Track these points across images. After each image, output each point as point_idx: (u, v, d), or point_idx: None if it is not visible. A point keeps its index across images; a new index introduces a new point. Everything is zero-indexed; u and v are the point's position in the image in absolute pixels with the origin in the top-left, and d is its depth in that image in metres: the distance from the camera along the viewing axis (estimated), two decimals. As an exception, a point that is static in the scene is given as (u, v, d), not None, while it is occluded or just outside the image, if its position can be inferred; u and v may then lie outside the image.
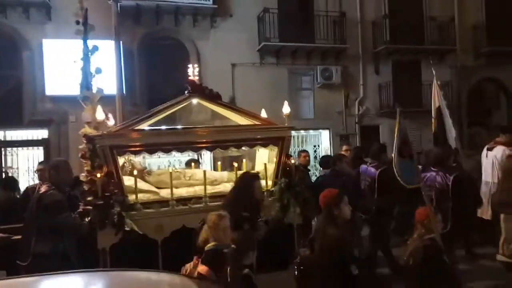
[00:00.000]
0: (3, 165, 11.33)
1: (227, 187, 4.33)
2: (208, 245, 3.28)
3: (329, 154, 12.17)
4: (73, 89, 10.66)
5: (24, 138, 11.81)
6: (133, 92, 12.18)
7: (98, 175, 3.95)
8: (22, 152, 11.76)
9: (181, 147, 4.20)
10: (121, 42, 10.81)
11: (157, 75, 12.97)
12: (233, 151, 4.37)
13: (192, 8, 13.02)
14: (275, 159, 4.29)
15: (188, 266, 3.42)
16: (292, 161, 4.25)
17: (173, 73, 12.67)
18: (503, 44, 14.72)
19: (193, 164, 5.16)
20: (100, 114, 4.03)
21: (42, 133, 11.90)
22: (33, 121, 11.61)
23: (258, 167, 4.68)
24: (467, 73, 15.27)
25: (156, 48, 13.39)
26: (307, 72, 14.57)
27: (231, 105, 4.48)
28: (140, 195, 4.17)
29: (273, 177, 4.27)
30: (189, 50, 13.52)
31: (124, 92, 10.61)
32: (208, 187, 4.25)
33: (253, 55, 13.62)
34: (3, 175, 10.67)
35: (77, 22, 4.37)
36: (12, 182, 5.95)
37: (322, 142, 14.31)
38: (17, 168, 11.47)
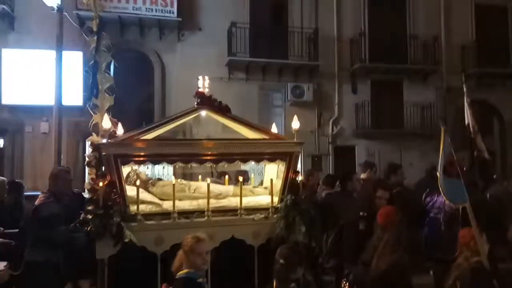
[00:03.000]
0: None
1: (232, 201, 4.67)
2: (180, 272, 3.27)
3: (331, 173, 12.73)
4: (30, 99, 11.80)
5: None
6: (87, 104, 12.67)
7: (100, 184, 4.29)
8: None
9: (185, 159, 4.50)
10: (82, 53, 12.06)
11: (119, 87, 13.64)
12: (240, 165, 4.80)
13: (156, 20, 13.76)
14: (278, 175, 4.69)
15: None
16: (300, 178, 4.62)
17: (136, 85, 13.51)
18: (493, 65, 15.50)
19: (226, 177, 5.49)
20: (106, 123, 4.36)
21: None
22: None
23: (267, 182, 5.05)
24: (454, 95, 15.45)
25: (119, 60, 13.94)
26: (278, 89, 15.33)
27: (240, 118, 4.88)
28: (142, 206, 4.41)
29: (280, 194, 4.62)
30: (153, 63, 14.30)
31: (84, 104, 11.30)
32: (212, 201, 4.55)
33: (222, 70, 14.25)
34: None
35: (91, 31, 4.69)
36: (18, 186, 6.13)
37: (293, 162, 15.04)
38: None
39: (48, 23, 10.62)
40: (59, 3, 9.67)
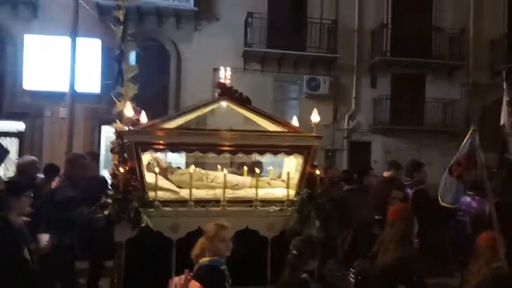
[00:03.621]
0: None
1: (248, 192, 4.83)
2: (203, 259, 3.36)
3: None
4: (51, 84, 12.41)
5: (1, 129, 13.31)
6: (111, 90, 13.10)
7: (121, 169, 4.52)
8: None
9: (203, 149, 4.66)
10: (101, 41, 12.99)
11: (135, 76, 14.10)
12: (255, 157, 4.97)
13: (173, 10, 14.03)
14: (296, 168, 4.82)
15: (178, 281, 3.37)
16: (318, 172, 4.74)
17: (152, 75, 13.67)
18: None
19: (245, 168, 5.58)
20: (129, 111, 4.56)
21: (18, 126, 13.44)
22: (11, 113, 13.16)
23: (283, 175, 5.19)
24: (481, 92, 15.24)
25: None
26: (294, 81, 15.42)
27: (260, 110, 5.04)
28: (160, 193, 4.63)
29: (297, 187, 4.77)
30: (170, 52, 14.58)
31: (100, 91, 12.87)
32: (228, 191, 4.73)
33: (237, 60, 14.37)
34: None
35: (118, 20, 4.87)
36: (55, 169, 6.23)
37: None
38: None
39: (69, 11, 11.33)
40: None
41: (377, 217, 4.62)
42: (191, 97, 13.90)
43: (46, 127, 13.42)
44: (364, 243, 4.11)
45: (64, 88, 11.62)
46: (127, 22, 5.03)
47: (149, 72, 13.94)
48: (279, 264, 4.24)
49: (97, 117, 13.45)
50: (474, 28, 15.68)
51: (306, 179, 4.74)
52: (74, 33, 11.20)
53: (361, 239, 4.61)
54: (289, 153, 4.76)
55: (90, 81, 13.07)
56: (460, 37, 15.38)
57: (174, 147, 4.70)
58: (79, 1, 11.54)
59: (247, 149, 4.76)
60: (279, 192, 4.93)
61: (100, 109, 12.96)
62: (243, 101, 4.91)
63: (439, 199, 4.99)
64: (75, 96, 11.55)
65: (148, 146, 4.63)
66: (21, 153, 12.84)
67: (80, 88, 12.08)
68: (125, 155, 4.64)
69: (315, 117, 4.83)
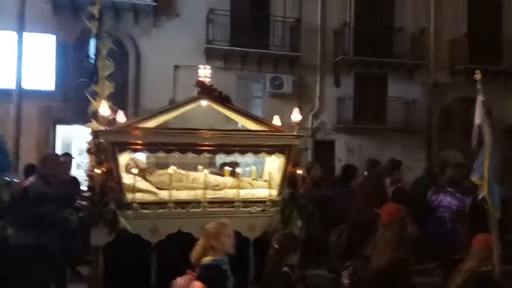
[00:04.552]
0: None
1: (229, 193, 4.86)
2: (206, 258, 3.48)
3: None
4: (2, 81, 11.73)
5: None
6: (66, 88, 13.05)
7: (98, 171, 4.47)
8: None
9: (183, 148, 4.66)
10: (55, 36, 12.72)
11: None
12: (239, 156, 5.01)
13: (131, 5, 13.85)
14: (277, 168, 4.87)
15: (180, 281, 3.49)
16: (299, 171, 4.83)
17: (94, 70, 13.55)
18: (485, 62, 14.76)
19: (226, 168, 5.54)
20: (105, 110, 4.51)
21: None
22: None
23: (265, 175, 5.29)
24: (441, 91, 15.99)
25: (93, 44, 14.09)
26: (258, 80, 15.53)
27: (241, 109, 5.09)
28: (138, 195, 4.59)
29: (279, 188, 4.83)
30: (128, 48, 14.38)
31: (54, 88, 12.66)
32: (209, 192, 4.77)
33: (199, 58, 14.33)
34: None
35: (92, 17, 4.82)
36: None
37: (271, 155, 15.38)
38: None
39: (20, 5, 10.95)
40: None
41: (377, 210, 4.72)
42: (151, 94, 13.80)
43: None
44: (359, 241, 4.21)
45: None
46: (102, 18, 4.96)
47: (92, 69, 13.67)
48: (261, 265, 4.33)
49: (52, 116, 13.20)
50: (434, 28, 16.26)
51: (288, 179, 4.81)
52: (21, 28, 10.95)
53: (356, 238, 4.71)
54: (270, 153, 4.83)
55: (44, 78, 12.77)
56: (420, 37, 15.91)
57: (152, 147, 4.67)
58: None
59: (227, 149, 4.79)
60: (261, 192, 4.99)
61: (55, 107, 13.00)
62: (223, 100, 4.95)
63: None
64: (26, 94, 11.26)
65: (125, 147, 4.59)
66: None
67: (32, 85, 11.90)
68: (102, 155, 4.58)
69: (296, 117, 4.92)
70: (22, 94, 11.15)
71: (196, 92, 4.98)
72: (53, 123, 13.39)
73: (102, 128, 4.54)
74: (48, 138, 13.45)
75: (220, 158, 6.07)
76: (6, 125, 12.42)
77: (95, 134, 4.62)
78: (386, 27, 15.93)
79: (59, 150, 12.90)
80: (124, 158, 4.78)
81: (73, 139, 13.20)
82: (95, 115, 4.68)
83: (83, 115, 13.28)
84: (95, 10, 4.89)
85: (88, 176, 4.52)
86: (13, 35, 11.54)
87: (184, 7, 14.63)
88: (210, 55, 14.67)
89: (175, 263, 4.44)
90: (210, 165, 6.12)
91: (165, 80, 14.20)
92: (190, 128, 4.82)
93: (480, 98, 5.15)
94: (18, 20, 10.92)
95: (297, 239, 3.89)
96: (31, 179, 4.85)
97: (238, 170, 4.89)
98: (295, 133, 4.94)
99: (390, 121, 15.68)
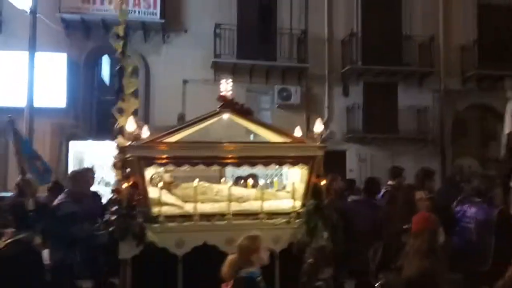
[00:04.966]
0: None
1: (253, 205, 4.96)
2: (241, 271, 3.57)
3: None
4: (16, 100, 12.36)
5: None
6: (77, 104, 13.94)
7: (125, 185, 4.60)
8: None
9: (207, 162, 4.79)
10: (66, 54, 13.44)
11: (102, 89, 14.95)
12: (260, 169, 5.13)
13: (140, 23, 14.31)
14: (301, 179, 4.97)
15: None
16: (323, 182, 4.91)
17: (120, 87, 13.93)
18: (496, 68, 15.16)
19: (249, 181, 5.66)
20: (131, 125, 4.65)
21: None
22: None
23: (289, 187, 5.30)
24: (453, 98, 15.99)
25: (104, 63, 15.33)
26: (266, 92, 15.71)
27: (262, 121, 5.22)
28: (164, 208, 4.72)
29: (303, 199, 4.90)
30: (138, 65, 14.52)
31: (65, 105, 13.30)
32: (234, 204, 4.87)
33: (207, 72, 14.64)
34: None
35: (117, 36, 4.98)
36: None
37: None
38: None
39: (31, 25, 11.37)
40: (31, 6, 10.66)
41: (405, 226, 4.63)
42: (160, 109, 14.04)
43: (12, 143, 13.16)
44: (394, 254, 4.25)
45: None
46: (127, 37, 5.13)
47: (116, 86, 14.13)
48: (287, 277, 4.41)
49: (64, 133, 13.60)
50: (443, 35, 16.30)
51: (312, 190, 4.89)
52: (32, 47, 11.37)
53: (390, 250, 4.76)
54: (294, 164, 4.94)
55: (55, 95, 13.29)
56: (430, 44, 15.94)
57: (177, 161, 4.80)
58: (40, 16, 11.73)
59: (252, 161, 4.89)
60: (285, 204, 5.07)
61: (67, 124, 13.53)
62: (246, 113, 5.08)
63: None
64: (38, 111, 11.61)
65: (151, 161, 4.72)
66: None
67: (44, 103, 12.34)
68: (127, 170, 4.71)
69: (318, 127, 5.02)
70: (34, 112, 11.46)
71: (218, 106, 5.09)
72: (65, 139, 13.67)
73: (128, 143, 4.67)
74: (61, 153, 13.73)
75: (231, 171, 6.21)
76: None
77: (121, 149, 4.75)
78: (394, 35, 16.02)
79: (71, 166, 13.06)
80: (149, 172, 4.90)
81: (85, 155, 13.53)
82: (121, 131, 4.81)
83: (94, 131, 13.75)
84: (120, 30, 5.04)
85: (115, 190, 4.64)
86: (25, 54, 11.94)
87: (192, 23, 14.96)
88: (218, 69, 14.95)
89: (201, 276, 4.62)
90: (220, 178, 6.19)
91: (174, 95, 14.48)
92: (214, 141, 4.94)
93: (510, 106, 5.07)
94: (30, 40, 11.34)
95: (330, 252, 3.94)
96: (61, 197, 4.98)
97: (255, 182, 4.97)
98: (318, 144, 5.01)
99: (402, 130, 15.74)
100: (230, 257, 3.72)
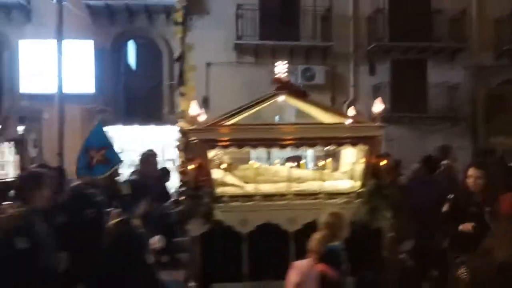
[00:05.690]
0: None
1: (311, 185, 5.19)
2: (327, 244, 3.95)
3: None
4: (47, 87, 13.24)
5: (1, 133, 14.02)
6: (105, 90, 14.52)
7: (191, 167, 4.91)
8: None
9: (267, 143, 5.03)
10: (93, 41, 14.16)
11: (129, 74, 15.57)
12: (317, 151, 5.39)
13: (163, 6, 14.61)
14: (361, 159, 5.12)
15: (302, 264, 4.00)
16: (384, 162, 5.02)
17: (145, 71, 15.33)
18: None
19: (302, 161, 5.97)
20: (194, 109, 4.93)
21: (18, 129, 14.14)
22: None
23: (344, 167, 5.59)
24: (485, 75, 15.76)
25: (129, 47, 15.85)
26: (290, 72, 15.74)
27: (318, 103, 5.44)
28: (226, 189, 5.05)
29: (362, 178, 5.06)
30: (161, 48, 15.26)
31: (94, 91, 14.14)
32: (293, 184, 5.14)
33: (230, 54, 14.84)
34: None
35: (177, 23, 5.23)
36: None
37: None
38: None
39: (58, 14, 11.98)
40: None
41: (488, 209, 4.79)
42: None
43: (45, 129, 14.14)
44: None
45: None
46: (186, 23, 5.39)
47: (142, 71, 14.70)
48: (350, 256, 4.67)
49: (93, 117, 13.53)
50: (476, 7, 15.93)
51: (372, 170, 5.04)
52: (60, 35, 11.97)
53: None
54: (353, 144, 5.12)
55: (84, 82, 14.01)
56: (461, 18, 15.66)
57: (239, 143, 5.05)
58: (66, 4, 12.29)
59: (311, 142, 5.11)
60: (343, 184, 5.30)
61: (96, 109, 13.73)
62: (301, 94, 5.31)
63: None
64: (68, 97, 12.27)
65: (214, 143, 4.99)
66: (22, 156, 13.45)
67: (74, 89, 13.08)
68: (190, 152, 5.02)
69: (377, 107, 5.23)
70: (64, 98, 12.09)
71: (274, 89, 5.33)
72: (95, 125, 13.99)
73: (191, 127, 4.96)
74: None
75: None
76: (51, 128, 13.30)
77: (184, 132, 5.04)
78: (423, 9, 15.80)
79: None
80: (211, 154, 5.19)
81: (115, 140, 13.99)
82: (182, 115, 5.09)
83: (123, 115, 14.16)
84: (178, 16, 5.27)
85: (182, 172, 4.95)
86: (53, 43, 12.50)
87: (214, 4, 15.11)
88: (240, 51, 15.21)
89: (265, 253, 4.92)
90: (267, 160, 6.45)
91: (197, 78, 14.59)
92: (274, 123, 5.20)
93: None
94: (57, 28, 11.93)
95: (411, 225, 4.19)
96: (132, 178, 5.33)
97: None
98: (377, 123, 5.20)
99: (431, 108, 15.69)
100: (318, 234, 4.03)
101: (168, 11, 14.60)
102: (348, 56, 16.02)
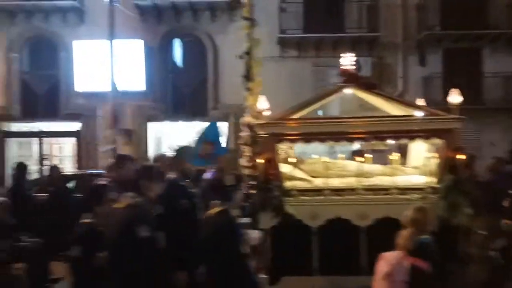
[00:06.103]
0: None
1: (382, 180, 5.11)
2: (416, 238, 3.96)
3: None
4: (101, 85, 13.78)
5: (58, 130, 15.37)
6: (154, 87, 15.04)
7: (260, 160, 4.90)
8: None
9: (336, 137, 4.97)
10: (143, 41, 14.71)
11: (176, 71, 15.89)
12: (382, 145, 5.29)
13: (207, 3, 14.98)
14: (432, 154, 5.04)
15: (391, 256, 3.98)
16: (462, 156, 4.84)
17: (190, 68, 15.64)
18: None
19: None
20: (262, 104, 4.93)
21: (74, 126, 15.25)
22: (66, 114, 15.09)
23: (413, 161, 5.48)
24: None
25: (176, 45, 15.99)
26: (334, 65, 15.56)
27: (388, 94, 5.34)
28: (295, 182, 5.06)
29: (439, 174, 4.92)
30: (206, 45, 15.56)
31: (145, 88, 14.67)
32: (362, 179, 5.08)
33: (273, 48, 14.74)
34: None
35: (245, 18, 5.23)
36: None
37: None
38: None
39: (109, 15, 12.63)
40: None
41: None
42: (229, 88, 14.24)
43: (99, 125, 14.75)
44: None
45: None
46: (253, 19, 5.38)
47: (188, 67, 14.98)
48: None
49: (144, 114, 14.84)
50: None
51: (450, 164, 4.89)
52: (111, 36, 12.59)
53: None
54: (427, 137, 4.99)
55: (135, 79, 14.51)
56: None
57: (307, 137, 5.01)
58: (117, 5, 12.95)
59: (382, 136, 5.03)
60: (416, 179, 5.18)
61: (146, 106, 14.63)
62: (370, 87, 5.22)
63: None
64: (120, 95, 12.96)
65: (282, 138, 4.98)
66: (79, 151, 14.89)
67: (126, 86, 13.59)
68: (255, 147, 5.02)
69: (454, 98, 5.08)
70: (117, 95, 12.73)
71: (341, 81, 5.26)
72: (145, 121, 14.97)
73: (259, 121, 4.95)
74: (142, 134, 14.95)
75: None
76: (107, 124, 13.79)
77: (251, 127, 5.04)
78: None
79: (151, 146, 14.81)
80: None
81: (163, 135, 14.57)
82: (249, 110, 5.09)
83: (170, 112, 14.56)
84: (246, 12, 5.27)
85: (250, 166, 4.96)
86: (106, 42, 12.96)
87: (259, -1, 15.01)
88: (283, 45, 15.12)
89: (335, 248, 4.90)
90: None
91: (241, 73, 14.67)
92: (343, 117, 5.13)
93: None
94: (109, 29, 12.54)
95: (498, 224, 4.10)
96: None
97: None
98: (455, 116, 5.06)
99: (487, 99, 15.07)
100: (404, 231, 4.02)
101: (212, 7, 14.94)
102: (396, 46, 15.58)
